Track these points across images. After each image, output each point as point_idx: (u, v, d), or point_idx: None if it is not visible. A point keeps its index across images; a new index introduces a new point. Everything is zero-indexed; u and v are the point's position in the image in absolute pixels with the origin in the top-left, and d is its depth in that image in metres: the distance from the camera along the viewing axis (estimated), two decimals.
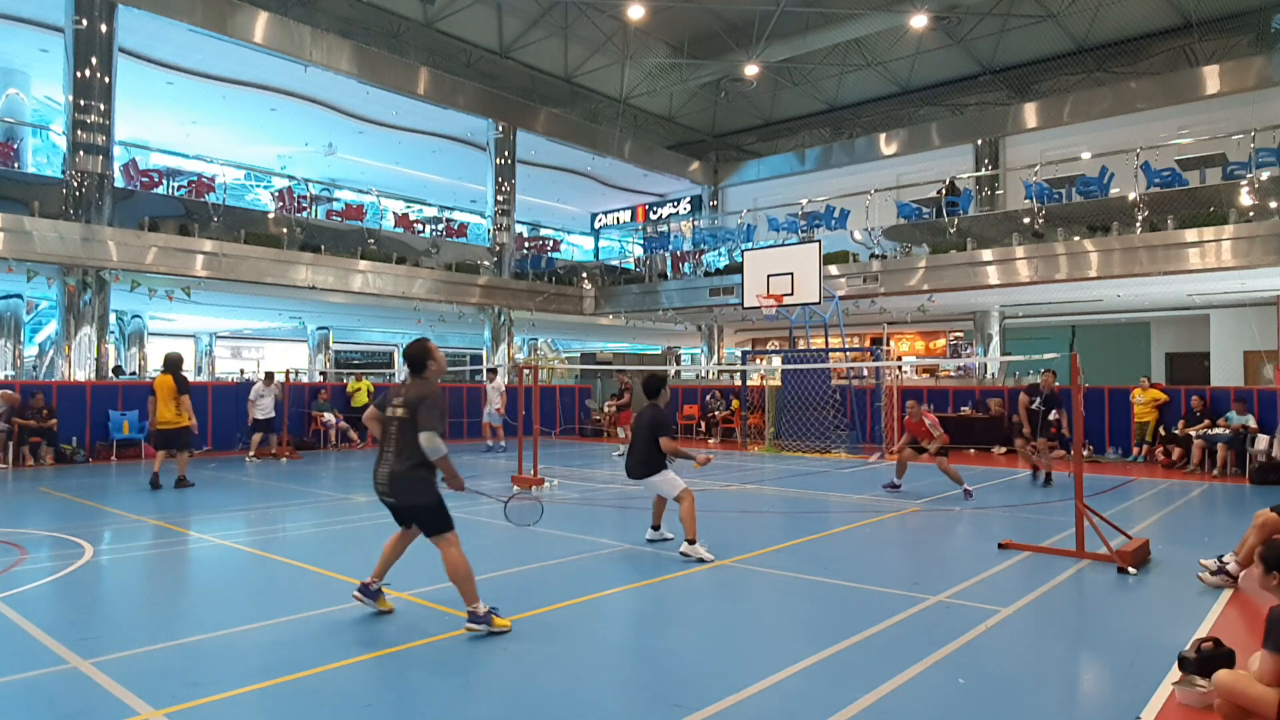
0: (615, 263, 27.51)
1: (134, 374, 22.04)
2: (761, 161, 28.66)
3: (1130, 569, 6.26)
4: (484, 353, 23.74)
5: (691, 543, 6.93)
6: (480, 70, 23.80)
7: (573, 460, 15.74)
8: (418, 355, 5.01)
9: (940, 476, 11.13)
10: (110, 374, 19.86)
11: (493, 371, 17.68)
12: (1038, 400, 11.56)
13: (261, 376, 16.00)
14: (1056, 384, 11.78)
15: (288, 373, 17.59)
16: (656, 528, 7.67)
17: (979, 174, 22.79)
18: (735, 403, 20.70)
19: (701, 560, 6.79)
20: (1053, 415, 11.37)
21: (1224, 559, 5.97)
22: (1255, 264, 14.33)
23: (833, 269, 19.14)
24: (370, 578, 5.15)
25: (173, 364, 11.46)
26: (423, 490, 4.84)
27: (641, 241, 27.87)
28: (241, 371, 22.62)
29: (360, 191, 24.54)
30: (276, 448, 15.63)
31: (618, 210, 32.52)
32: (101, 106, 15.41)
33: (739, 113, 29.14)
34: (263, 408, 15.24)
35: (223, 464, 14.43)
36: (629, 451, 7.54)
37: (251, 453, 15.17)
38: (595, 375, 25.53)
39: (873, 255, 19.49)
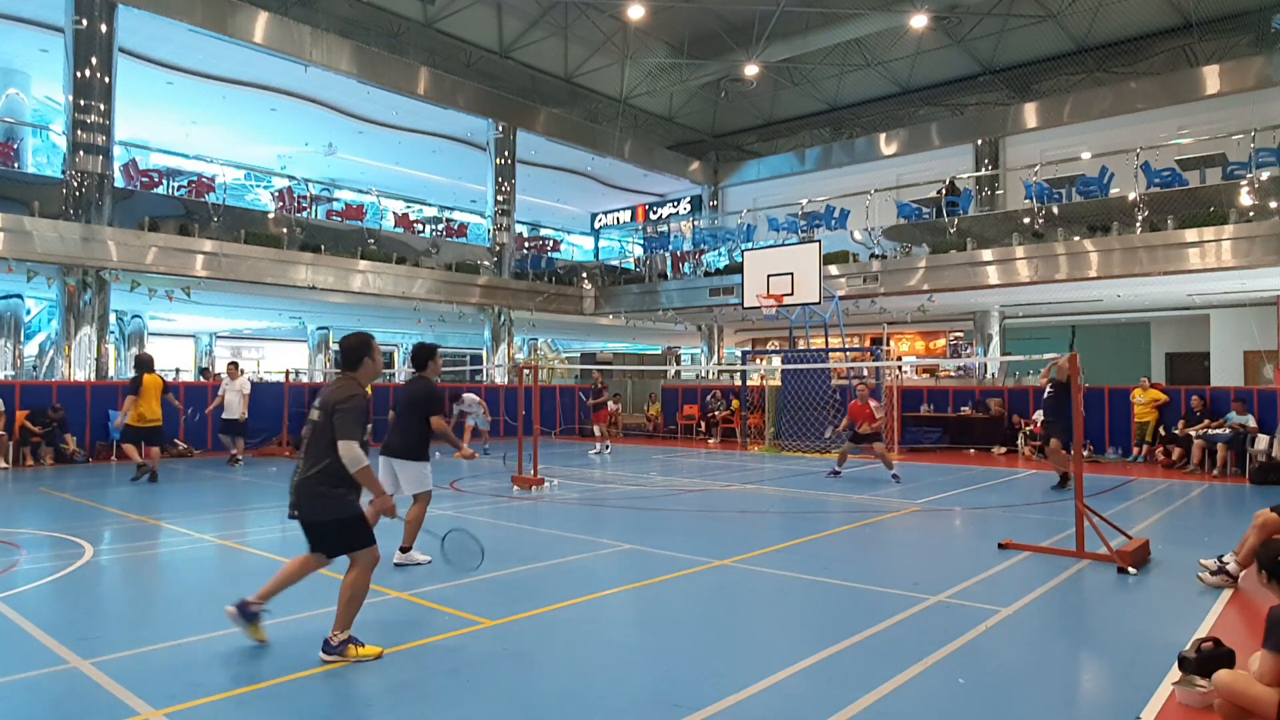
0: (615, 263, 27.52)
1: (219, 375, 22.04)
2: (761, 161, 28.66)
3: (1130, 569, 6.26)
4: (484, 353, 23.76)
5: (406, 550, 6.43)
6: (480, 70, 23.80)
7: (573, 460, 15.74)
8: (353, 349, 4.47)
9: (941, 476, 11.14)
10: (200, 376, 20.12)
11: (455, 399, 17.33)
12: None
13: (225, 371, 14.50)
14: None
15: (287, 373, 17.60)
16: (407, 549, 6.50)
17: (979, 174, 22.79)
18: (735, 403, 20.71)
19: (417, 564, 6.37)
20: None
21: (1224, 559, 5.97)
22: (1255, 264, 14.33)
23: (833, 269, 19.14)
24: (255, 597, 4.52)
25: (151, 364, 12.03)
26: (330, 506, 4.31)
27: (641, 241, 27.88)
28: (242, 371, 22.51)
29: (360, 191, 24.55)
30: (241, 451, 14.13)
31: (618, 210, 32.51)
32: (101, 106, 15.41)
33: (739, 113, 29.14)
34: (229, 405, 13.89)
35: (193, 465, 14.39)
36: (391, 428, 6.58)
37: (234, 453, 14.02)
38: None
39: (873, 255, 19.49)
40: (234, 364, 14.77)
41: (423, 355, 6.68)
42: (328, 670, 4.14)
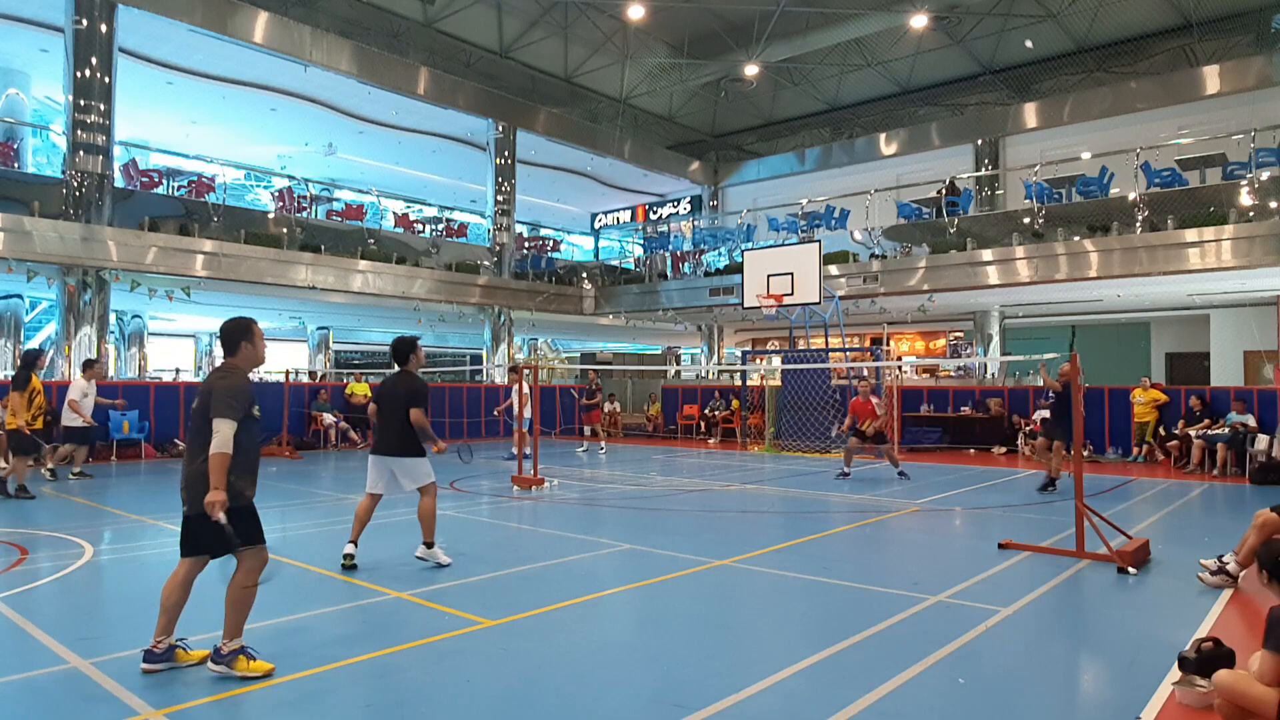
0: (615, 263, 27.52)
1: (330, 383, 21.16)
2: (761, 161, 28.66)
3: (1130, 569, 6.26)
4: (484, 353, 23.77)
5: (430, 546, 6.35)
6: (480, 70, 23.80)
7: (573, 460, 15.74)
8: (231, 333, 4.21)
9: (941, 476, 11.14)
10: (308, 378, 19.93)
11: (515, 371, 15.84)
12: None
13: (80, 369, 12.30)
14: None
15: (287, 373, 17.59)
16: (355, 544, 6.36)
17: (979, 174, 22.79)
18: (735, 403, 20.71)
19: (440, 565, 6.29)
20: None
21: (1224, 559, 5.97)
22: (1255, 264, 14.34)
23: (833, 269, 19.14)
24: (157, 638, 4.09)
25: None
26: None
27: (641, 241, 27.89)
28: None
29: (360, 191, 24.55)
30: (85, 461, 12.11)
31: (618, 210, 32.52)
32: (101, 106, 15.41)
33: (739, 113, 29.13)
34: (88, 409, 11.73)
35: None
36: (379, 426, 6.43)
37: (50, 465, 11.72)
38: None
39: (873, 255, 19.49)
40: (94, 361, 12.42)
41: (403, 348, 6.47)
42: (328, 670, 4.14)
